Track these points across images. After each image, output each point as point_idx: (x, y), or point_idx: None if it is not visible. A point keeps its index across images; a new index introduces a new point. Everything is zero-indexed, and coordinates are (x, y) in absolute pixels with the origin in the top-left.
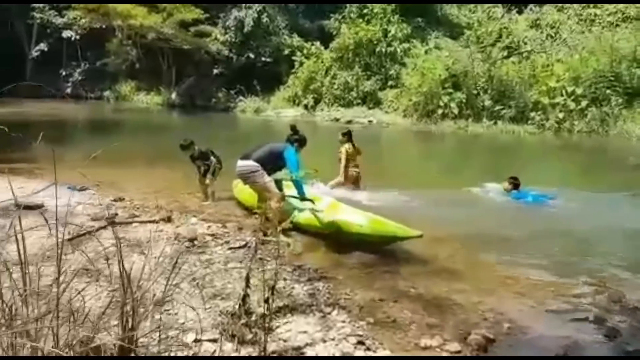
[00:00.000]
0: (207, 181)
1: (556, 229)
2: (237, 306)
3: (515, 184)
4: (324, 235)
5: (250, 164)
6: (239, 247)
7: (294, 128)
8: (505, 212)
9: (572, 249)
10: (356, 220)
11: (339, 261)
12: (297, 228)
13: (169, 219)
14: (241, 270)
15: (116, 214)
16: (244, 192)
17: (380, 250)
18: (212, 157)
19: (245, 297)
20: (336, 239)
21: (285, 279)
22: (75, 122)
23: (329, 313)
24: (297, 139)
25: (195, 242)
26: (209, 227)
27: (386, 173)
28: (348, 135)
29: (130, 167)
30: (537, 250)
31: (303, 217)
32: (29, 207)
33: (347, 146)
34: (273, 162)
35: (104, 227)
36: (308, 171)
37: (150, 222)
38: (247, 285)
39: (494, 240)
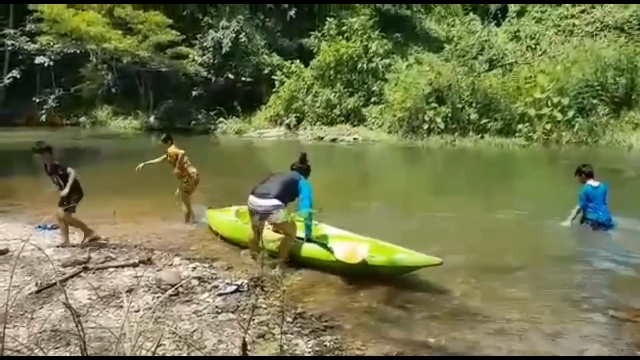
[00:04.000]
0: (63, 215)
1: (578, 254)
2: None
3: (585, 172)
4: (331, 269)
5: (275, 203)
6: (230, 293)
7: (304, 157)
8: (521, 236)
9: (593, 277)
10: (368, 252)
11: (344, 305)
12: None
13: (149, 261)
14: (234, 322)
15: (90, 258)
16: (229, 226)
17: (389, 290)
18: (72, 175)
19: None
20: (346, 272)
21: (285, 333)
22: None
23: None
24: (307, 169)
25: (180, 289)
26: (195, 268)
27: (384, 193)
28: (170, 140)
29: (106, 199)
30: (560, 280)
31: (309, 251)
32: None
33: (174, 149)
34: (290, 195)
35: (76, 275)
36: (313, 211)
37: (128, 265)
38: (244, 351)
39: (511, 270)
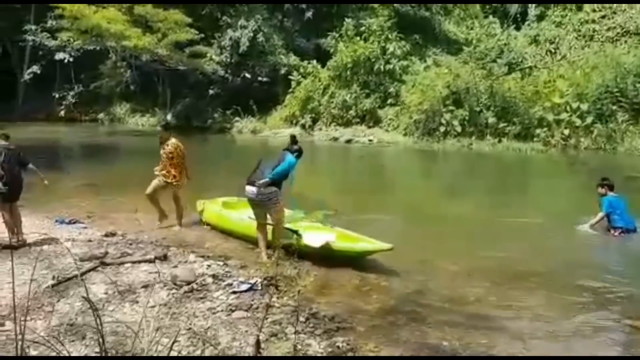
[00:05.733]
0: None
1: (595, 261)
2: None
3: (609, 185)
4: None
5: (271, 190)
6: (244, 291)
7: (294, 138)
8: (538, 242)
9: (610, 284)
10: (330, 238)
11: (357, 307)
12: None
13: (165, 257)
14: (248, 320)
15: (107, 253)
16: (214, 215)
17: (402, 293)
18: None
19: None
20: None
21: (298, 332)
22: (68, 146)
23: None
24: (298, 150)
25: (194, 286)
26: (209, 265)
27: (399, 196)
28: (169, 129)
29: (124, 195)
30: (576, 287)
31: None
32: (11, 247)
33: (175, 141)
34: (282, 176)
35: (93, 269)
36: (327, 212)
37: (144, 261)
38: (258, 350)
39: (527, 276)
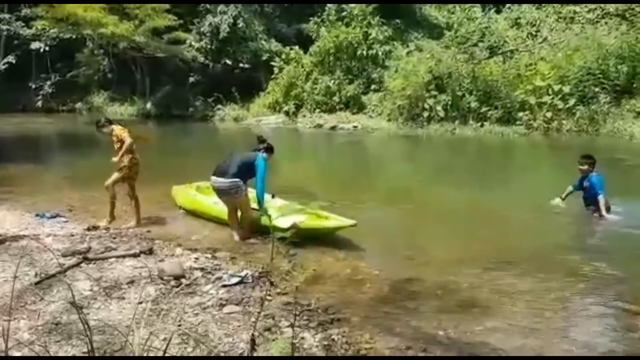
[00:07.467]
0: None
1: (587, 244)
2: None
3: (589, 163)
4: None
5: (232, 180)
6: (234, 284)
7: (260, 138)
8: (527, 227)
9: (602, 267)
10: (299, 219)
11: (350, 297)
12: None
13: (150, 251)
14: (239, 315)
15: (90, 247)
16: (189, 199)
17: (395, 282)
18: None
19: None
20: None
21: (292, 326)
22: (46, 137)
23: None
24: (267, 148)
25: (183, 280)
26: (197, 259)
27: (384, 184)
28: (105, 123)
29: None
30: (569, 271)
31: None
32: None
33: (116, 128)
34: (249, 173)
35: (76, 265)
36: (321, 203)
37: (129, 256)
38: (253, 347)
39: (518, 262)
